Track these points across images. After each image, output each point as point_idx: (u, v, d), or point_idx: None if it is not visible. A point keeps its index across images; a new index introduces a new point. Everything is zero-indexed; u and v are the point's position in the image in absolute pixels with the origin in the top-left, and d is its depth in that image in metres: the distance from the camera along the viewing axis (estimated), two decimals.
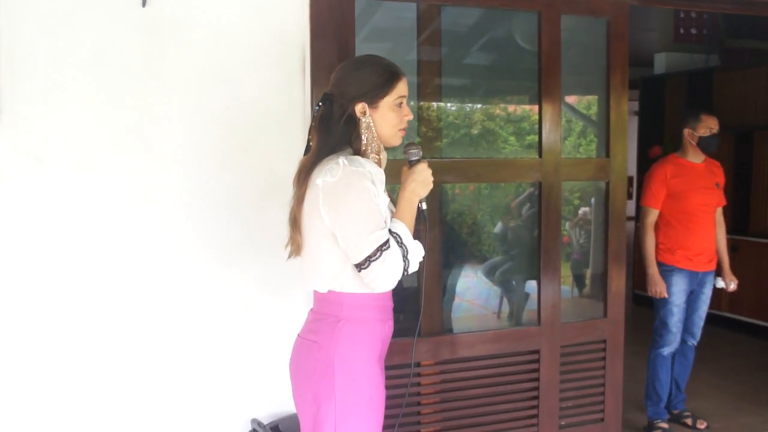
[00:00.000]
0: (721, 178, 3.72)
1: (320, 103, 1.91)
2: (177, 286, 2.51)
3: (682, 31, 6.64)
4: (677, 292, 3.62)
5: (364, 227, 1.76)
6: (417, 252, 1.86)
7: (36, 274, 2.35)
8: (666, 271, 3.63)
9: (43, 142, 2.33)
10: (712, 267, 3.72)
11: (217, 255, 2.55)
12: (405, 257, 1.81)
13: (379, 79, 1.87)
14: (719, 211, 3.76)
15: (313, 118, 1.94)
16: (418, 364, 2.91)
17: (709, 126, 3.57)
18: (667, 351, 3.65)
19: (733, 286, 3.78)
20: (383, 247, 1.76)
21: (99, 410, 2.45)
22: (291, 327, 2.09)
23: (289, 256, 1.97)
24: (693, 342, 3.76)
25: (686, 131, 3.61)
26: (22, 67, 2.29)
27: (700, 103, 5.83)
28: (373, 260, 1.76)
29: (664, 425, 3.62)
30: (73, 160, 2.37)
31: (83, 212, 2.39)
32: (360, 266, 1.78)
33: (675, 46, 6.62)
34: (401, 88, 1.90)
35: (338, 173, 1.77)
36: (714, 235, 3.70)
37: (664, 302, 3.62)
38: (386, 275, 1.78)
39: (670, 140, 5.87)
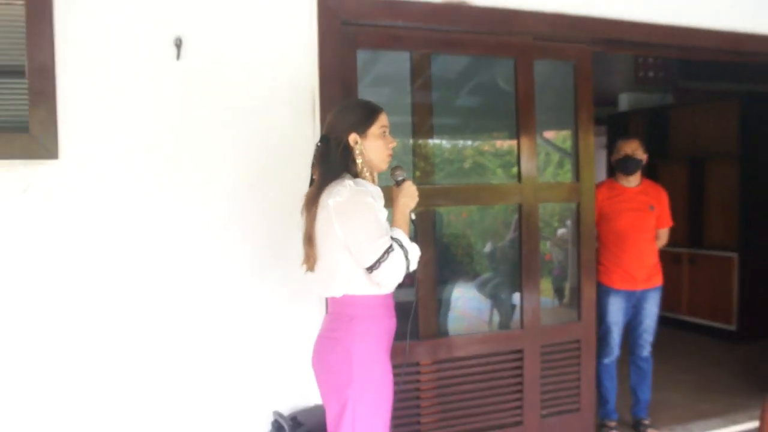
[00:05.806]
0: (658, 201, 3.48)
1: (318, 144, 2.02)
2: (211, 295, 2.50)
3: (641, 74, 6.61)
4: (614, 311, 3.40)
5: (372, 235, 1.87)
6: (415, 252, 1.97)
7: (78, 288, 2.34)
8: (603, 291, 3.41)
9: (94, 178, 2.34)
10: (652, 284, 3.44)
11: (244, 269, 2.54)
12: (406, 257, 1.92)
13: (364, 111, 2.00)
14: (664, 231, 3.52)
15: (314, 156, 2.05)
16: (417, 364, 2.89)
17: (621, 151, 3.40)
18: (607, 360, 3.44)
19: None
20: (389, 249, 1.87)
21: (130, 402, 2.41)
22: (306, 331, 2.12)
23: (306, 271, 2.05)
24: (644, 353, 3.50)
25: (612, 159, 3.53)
26: (77, 112, 2.31)
27: (659, 136, 5.83)
28: (383, 261, 1.86)
29: (612, 424, 3.46)
30: (117, 193, 2.37)
31: (129, 240, 2.39)
32: (372, 268, 1.87)
33: (636, 87, 6.57)
34: (383, 119, 2.02)
35: (346, 194, 1.88)
36: (652, 253, 3.45)
37: (602, 320, 3.42)
38: (393, 273, 1.88)
39: None
